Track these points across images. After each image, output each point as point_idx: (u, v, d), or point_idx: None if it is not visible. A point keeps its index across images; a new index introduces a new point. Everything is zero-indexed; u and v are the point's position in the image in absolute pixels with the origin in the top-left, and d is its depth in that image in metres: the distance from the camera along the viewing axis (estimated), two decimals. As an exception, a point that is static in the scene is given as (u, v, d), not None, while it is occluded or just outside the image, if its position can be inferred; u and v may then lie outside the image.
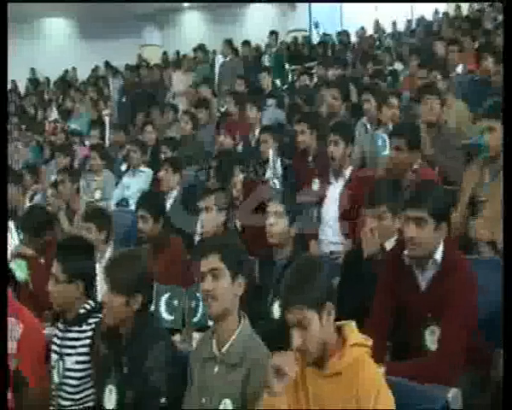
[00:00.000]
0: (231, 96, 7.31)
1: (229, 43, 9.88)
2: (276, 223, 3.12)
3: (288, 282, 1.96)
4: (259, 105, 6.51)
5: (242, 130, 6.50)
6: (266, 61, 10.68)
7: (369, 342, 1.95)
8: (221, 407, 2.14)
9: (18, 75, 14.89)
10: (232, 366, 2.19)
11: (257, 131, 6.21)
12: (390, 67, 8.37)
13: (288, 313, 1.92)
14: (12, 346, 2.81)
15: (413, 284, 2.48)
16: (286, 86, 9.41)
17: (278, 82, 9.50)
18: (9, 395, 2.59)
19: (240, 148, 6.23)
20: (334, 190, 3.93)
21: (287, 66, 10.57)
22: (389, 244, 2.81)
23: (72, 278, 2.73)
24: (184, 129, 6.65)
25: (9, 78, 14.91)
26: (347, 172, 3.93)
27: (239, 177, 4.43)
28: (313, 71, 9.16)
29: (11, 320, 2.86)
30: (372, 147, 4.70)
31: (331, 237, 3.88)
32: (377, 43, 11.60)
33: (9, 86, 14.45)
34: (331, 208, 3.90)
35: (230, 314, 2.25)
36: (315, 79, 8.57)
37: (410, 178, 3.53)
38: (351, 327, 1.97)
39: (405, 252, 2.48)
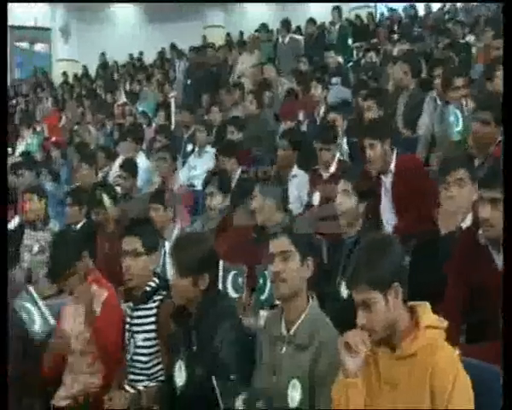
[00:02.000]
0: (295, 75, 7.24)
1: (286, 23, 9.75)
2: (345, 201, 3.07)
3: (355, 260, 1.91)
4: (324, 83, 6.41)
5: (307, 109, 6.43)
6: (330, 38, 10.49)
7: (444, 324, 1.88)
8: (290, 386, 2.12)
9: (89, 60, 15.40)
10: (301, 346, 2.17)
11: (322, 110, 6.13)
12: (462, 40, 8.02)
13: (354, 291, 1.88)
14: (91, 309, 2.91)
15: (489, 264, 2.37)
16: (350, 64, 9.22)
17: (342, 60, 9.32)
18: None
19: (304, 127, 6.16)
20: (385, 184, 3.81)
21: (351, 43, 10.35)
22: (465, 224, 2.71)
23: (150, 250, 2.80)
24: (249, 109, 6.65)
25: (81, 63, 15.46)
26: (392, 165, 3.77)
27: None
28: (379, 47, 8.91)
29: (92, 287, 2.98)
30: (443, 123, 4.52)
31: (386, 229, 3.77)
32: (447, 15, 11.16)
33: (80, 71, 14.98)
34: (383, 201, 3.79)
35: (299, 296, 2.23)
36: (381, 56, 8.35)
37: (495, 153, 3.36)
38: (424, 308, 1.90)
39: (480, 232, 2.37)
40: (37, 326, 2.75)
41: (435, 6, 12.03)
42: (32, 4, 16.28)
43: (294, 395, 2.11)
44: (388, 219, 3.67)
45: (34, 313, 2.75)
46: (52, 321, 2.80)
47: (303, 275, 2.23)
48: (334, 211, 3.24)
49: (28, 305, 2.76)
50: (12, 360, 2.79)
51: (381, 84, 6.43)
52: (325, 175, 4.25)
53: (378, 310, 1.84)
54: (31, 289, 2.83)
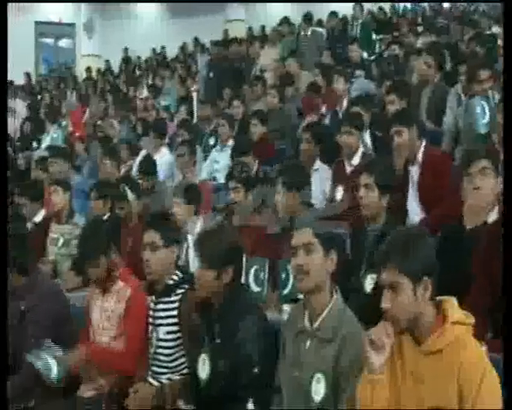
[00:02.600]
0: (318, 68, 7.19)
1: (309, 16, 9.69)
2: (367, 195, 3.05)
3: (391, 242, 1.89)
4: (347, 76, 6.36)
5: (329, 102, 6.39)
6: (353, 31, 10.40)
7: (471, 320, 1.85)
8: (313, 380, 2.12)
9: (112, 55, 15.53)
10: (324, 340, 2.16)
11: (344, 103, 6.09)
12: (488, 32, 7.89)
13: (382, 271, 1.85)
14: (117, 307, 2.95)
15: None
16: (373, 57, 9.13)
17: (365, 53, 9.24)
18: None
19: (327, 121, 6.12)
20: (412, 175, 3.77)
21: (374, 36, 10.25)
22: (491, 218, 2.67)
23: (169, 243, 2.80)
24: (271, 103, 6.63)
25: (104, 58, 15.60)
26: (419, 155, 3.73)
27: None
28: (403, 40, 8.81)
29: (118, 284, 3.00)
30: (467, 116, 4.45)
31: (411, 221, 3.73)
32: (472, 7, 10.99)
33: (103, 66, 15.11)
34: (410, 192, 3.75)
35: (322, 289, 2.22)
36: (404, 48, 8.25)
37: None
38: (451, 303, 1.88)
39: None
40: (54, 374, 2.78)
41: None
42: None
43: (318, 389, 2.10)
44: (414, 210, 3.64)
45: (50, 363, 2.78)
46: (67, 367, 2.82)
47: (326, 268, 2.22)
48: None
49: (45, 355, 2.80)
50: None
51: (404, 77, 6.35)
52: (348, 168, 4.22)
53: (404, 297, 1.82)
54: (48, 343, 2.86)
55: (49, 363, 2.77)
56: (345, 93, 6.13)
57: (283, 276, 3.16)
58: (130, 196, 4.46)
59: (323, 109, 6.36)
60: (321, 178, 4.43)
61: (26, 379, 2.96)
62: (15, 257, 3.07)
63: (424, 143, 3.72)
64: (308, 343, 2.20)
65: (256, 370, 2.31)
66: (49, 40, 17.98)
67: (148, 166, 5.37)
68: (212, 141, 6.68)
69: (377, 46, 9.93)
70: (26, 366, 2.95)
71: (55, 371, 2.77)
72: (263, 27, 14.17)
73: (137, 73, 13.92)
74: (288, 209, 3.43)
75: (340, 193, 4.09)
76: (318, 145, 4.63)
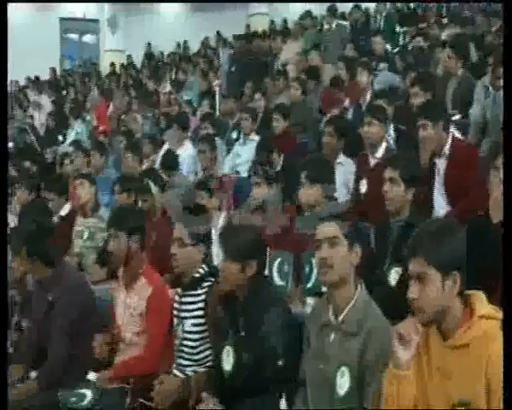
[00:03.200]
0: (342, 61, 7.15)
1: (332, 9, 9.63)
2: (392, 189, 3.03)
3: (420, 233, 1.86)
4: (371, 69, 6.31)
5: (352, 95, 6.34)
6: (377, 24, 10.31)
7: (499, 314, 1.83)
8: (338, 374, 2.12)
9: (135, 50, 15.65)
10: (349, 334, 2.15)
11: (368, 96, 6.04)
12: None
13: (411, 262, 1.83)
14: (139, 304, 2.97)
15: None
16: (397, 49, 9.04)
17: (389, 46, 9.16)
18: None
19: (350, 115, 6.09)
20: (439, 168, 3.72)
21: (398, 28, 10.14)
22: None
23: (196, 241, 2.81)
24: (294, 96, 6.61)
25: (127, 53, 15.74)
26: (446, 148, 3.68)
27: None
28: (427, 32, 8.70)
29: (141, 280, 3.02)
30: (496, 107, 4.39)
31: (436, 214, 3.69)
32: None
33: (126, 61, 15.23)
34: (436, 185, 3.71)
35: (346, 282, 2.21)
36: (429, 40, 8.15)
37: None
38: (479, 298, 1.85)
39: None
40: (88, 401, 2.82)
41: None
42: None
43: (343, 382, 2.10)
44: (440, 204, 3.60)
45: (83, 392, 2.83)
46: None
47: (351, 261, 2.21)
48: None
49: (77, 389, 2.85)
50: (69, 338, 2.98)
51: (429, 70, 6.28)
52: (372, 161, 4.19)
53: (432, 289, 1.80)
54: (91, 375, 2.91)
55: (82, 392, 2.82)
56: (368, 86, 6.08)
57: (307, 269, 3.15)
58: (154, 189, 4.49)
59: (346, 103, 6.32)
60: (344, 171, 4.40)
61: (53, 370, 3.01)
62: (42, 249, 3.12)
63: (451, 136, 3.67)
64: (332, 337, 2.20)
65: (280, 363, 2.32)
66: (74, 36, 18.18)
67: (170, 161, 5.40)
68: (234, 135, 6.70)
69: (401, 38, 9.83)
70: (53, 356, 3.00)
71: (89, 398, 2.82)
72: (285, 21, 14.12)
73: (160, 67, 13.99)
74: (311, 203, 3.42)
75: (363, 186, 4.07)
76: (341, 139, 4.60)
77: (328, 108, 6.21)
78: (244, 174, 5.56)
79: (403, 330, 1.81)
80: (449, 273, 1.80)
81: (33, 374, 3.08)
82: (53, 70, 15.54)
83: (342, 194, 4.18)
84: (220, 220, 4.06)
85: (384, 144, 4.23)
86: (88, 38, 18.23)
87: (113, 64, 14.86)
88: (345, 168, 4.43)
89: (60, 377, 2.99)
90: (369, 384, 2.06)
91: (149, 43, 16.07)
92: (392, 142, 4.72)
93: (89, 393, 2.82)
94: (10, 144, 8.86)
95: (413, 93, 4.81)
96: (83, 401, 2.79)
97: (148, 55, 15.70)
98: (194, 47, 15.17)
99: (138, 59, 15.54)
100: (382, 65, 7.25)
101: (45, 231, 3.24)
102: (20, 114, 10.41)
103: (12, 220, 4.43)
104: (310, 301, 3.05)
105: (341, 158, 4.51)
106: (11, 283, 3.32)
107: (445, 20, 9.21)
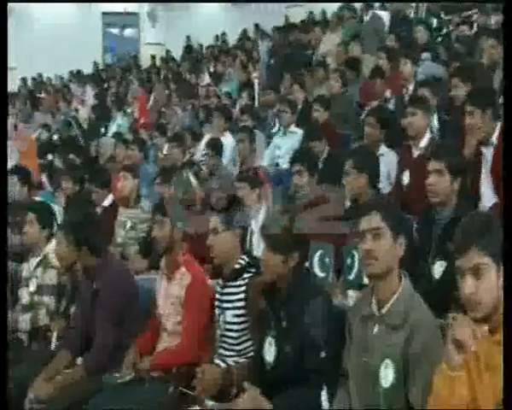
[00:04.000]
0: (383, 51, 7.04)
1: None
2: (437, 181, 2.96)
3: (471, 225, 1.80)
4: (414, 59, 6.20)
5: (395, 87, 6.25)
6: (419, 13, 10.10)
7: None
8: (382, 366, 2.09)
9: (175, 43, 15.79)
10: (393, 326, 2.12)
11: (411, 87, 5.94)
12: None
13: (462, 257, 1.76)
14: (180, 293, 3.01)
15: None
16: (440, 38, 8.84)
17: (432, 34, 8.96)
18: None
19: (391, 106, 6.00)
20: (486, 156, 3.62)
21: (442, 16, 9.92)
22: None
23: (230, 227, 2.83)
24: (334, 87, 6.55)
25: (167, 46, 15.91)
26: (494, 137, 3.57)
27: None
28: (473, 19, 8.48)
29: (182, 269, 3.06)
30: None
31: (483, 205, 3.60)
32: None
33: (166, 54, 15.37)
34: (483, 174, 3.61)
35: (391, 275, 2.18)
36: (475, 28, 7.95)
37: None
38: None
39: None
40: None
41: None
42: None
43: (387, 375, 2.07)
44: (487, 194, 3.52)
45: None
46: None
47: (395, 253, 2.18)
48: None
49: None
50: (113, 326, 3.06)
51: (474, 59, 6.12)
52: (415, 153, 4.12)
53: (488, 279, 1.74)
54: None
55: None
56: (411, 77, 5.97)
57: (348, 261, 3.13)
58: (194, 181, 4.52)
59: (388, 94, 6.22)
60: (386, 162, 4.34)
61: (98, 357, 3.08)
62: (89, 238, 3.19)
63: (500, 124, 3.57)
64: (376, 329, 2.17)
65: (322, 354, 2.31)
66: (115, 30, 18.45)
67: (216, 145, 5.43)
68: (274, 127, 6.69)
69: (445, 27, 9.61)
70: (98, 343, 3.07)
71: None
72: (324, 12, 13.98)
73: (199, 60, 14.06)
74: (356, 191, 3.38)
75: (406, 177, 4.01)
76: (383, 130, 4.55)
77: (368, 100, 6.14)
78: (284, 166, 5.56)
79: (459, 336, 1.75)
80: (500, 264, 1.76)
81: (80, 360, 3.15)
82: (95, 64, 15.81)
83: (384, 186, 4.13)
84: (260, 213, 4.07)
85: (427, 135, 4.15)
86: (128, 31, 18.48)
87: (153, 57, 15.02)
88: (386, 160, 4.37)
89: (105, 363, 3.05)
90: (413, 378, 2.04)
91: (188, 36, 16.17)
92: (436, 133, 4.64)
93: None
94: (55, 137, 9.06)
95: (453, 84, 4.71)
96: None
97: (188, 48, 15.81)
98: (233, 39, 15.19)
99: (177, 52, 15.66)
100: (425, 55, 7.09)
101: (91, 220, 3.32)
102: (64, 107, 10.63)
103: (58, 211, 4.54)
104: (351, 293, 3.04)
105: (383, 149, 4.46)
106: (62, 268, 3.43)
107: (489, 8, 8.96)
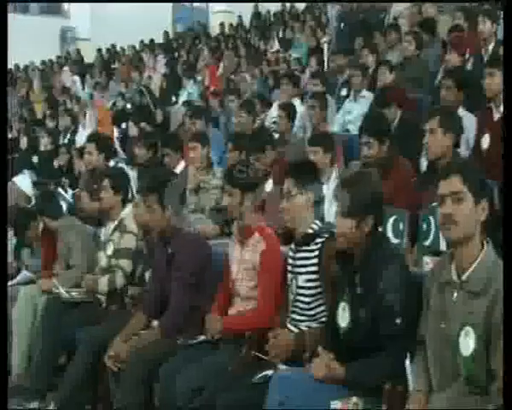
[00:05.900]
0: (461, 11, 6.71)
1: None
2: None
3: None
4: (494, 18, 5.87)
5: (472, 47, 5.95)
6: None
7: None
8: (462, 334, 2.03)
9: (243, 10, 15.72)
10: (474, 293, 2.05)
11: (491, 47, 5.64)
12: None
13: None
14: (254, 259, 3.02)
15: None
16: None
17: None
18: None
19: (469, 66, 5.72)
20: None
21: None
22: None
23: (303, 191, 2.79)
24: (408, 50, 6.32)
25: (235, 13, 15.87)
26: None
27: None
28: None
29: (255, 236, 3.06)
30: None
31: None
32: None
33: (235, 21, 15.31)
34: None
35: (472, 240, 2.09)
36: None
37: None
38: None
39: None
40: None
41: None
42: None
43: (467, 343, 2.00)
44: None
45: None
46: None
47: (477, 218, 2.09)
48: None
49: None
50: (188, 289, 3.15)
51: None
52: (497, 116, 3.92)
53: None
54: None
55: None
56: (491, 36, 5.67)
57: (424, 227, 3.04)
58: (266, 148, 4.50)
59: (467, 53, 5.93)
60: (464, 126, 4.16)
61: (174, 319, 3.15)
62: (164, 199, 3.24)
63: None
64: (455, 295, 2.10)
65: (398, 320, 2.26)
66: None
67: (288, 108, 5.41)
68: (344, 92, 6.54)
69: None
70: (174, 306, 3.14)
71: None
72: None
73: (268, 26, 13.93)
74: (440, 152, 3.25)
75: (486, 141, 3.83)
76: (461, 92, 4.35)
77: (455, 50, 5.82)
78: (355, 132, 5.43)
79: None
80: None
81: (155, 323, 3.24)
82: (166, 33, 15.97)
83: (462, 149, 3.96)
84: (332, 176, 4.00)
85: (510, 96, 3.92)
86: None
87: (222, 25, 15.00)
88: (464, 122, 4.16)
89: (180, 325, 3.12)
90: (496, 347, 1.96)
91: (257, 3, 16.01)
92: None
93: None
94: (128, 106, 9.26)
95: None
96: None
97: (256, 15, 15.68)
98: (302, 4, 14.92)
99: (246, 19, 15.57)
100: (506, 12, 6.71)
101: (164, 181, 3.34)
102: (136, 76, 10.83)
103: (132, 177, 4.65)
104: (426, 259, 2.94)
105: (461, 112, 4.26)
106: (139, 233, 3.50)
107: None
